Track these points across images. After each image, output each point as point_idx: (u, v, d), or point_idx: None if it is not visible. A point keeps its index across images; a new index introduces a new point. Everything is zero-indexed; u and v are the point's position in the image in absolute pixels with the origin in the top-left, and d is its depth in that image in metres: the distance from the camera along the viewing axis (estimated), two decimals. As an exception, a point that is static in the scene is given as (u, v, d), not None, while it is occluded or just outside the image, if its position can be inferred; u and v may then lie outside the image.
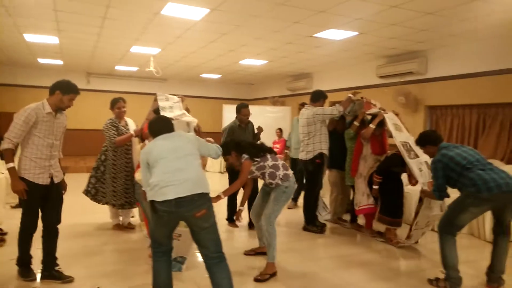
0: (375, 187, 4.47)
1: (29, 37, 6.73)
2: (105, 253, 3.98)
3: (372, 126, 4.52)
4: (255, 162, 3.42)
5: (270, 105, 11.53)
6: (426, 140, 3.60)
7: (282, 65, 8.92)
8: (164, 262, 2.70)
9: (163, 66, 9.34)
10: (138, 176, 3.62)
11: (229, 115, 10.78)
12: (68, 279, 3.18)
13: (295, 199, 6.17)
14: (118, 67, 10.23)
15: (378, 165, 4.51)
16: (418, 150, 4.12)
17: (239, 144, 3.47)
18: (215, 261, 2.62)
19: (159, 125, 2.84)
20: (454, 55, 6.26)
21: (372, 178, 4.52)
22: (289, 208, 6.03)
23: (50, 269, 3.19)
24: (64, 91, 3.08)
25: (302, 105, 5.46)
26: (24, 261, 3.18)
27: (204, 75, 11.25)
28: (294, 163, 6.08)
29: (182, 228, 3.12)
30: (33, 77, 10.82)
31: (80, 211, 5.20)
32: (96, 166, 4.52)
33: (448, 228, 3.30)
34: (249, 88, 13.68)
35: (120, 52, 8.00)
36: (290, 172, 3.53)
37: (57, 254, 3.25)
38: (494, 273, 3.32)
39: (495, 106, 5.76)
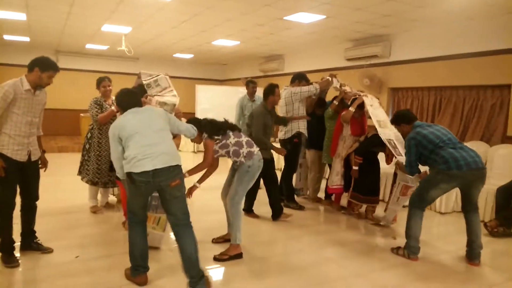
0: (355, 167, 4.56)
1: (-5, 13, 6.57)
2: (84, 227, 4.13)
3: (351, 109, 4.60)
4: (217, 141, 3.32)
5: (242, 86, 11.67)
6: (401, 119, 3.75)
7: (254, 46, 9.07)
8: (139, 231, 2.83)
9: (135, 45, 9.28)
10: None
11: (202, 94, 10.92)
12: (48, 250, 3.33)
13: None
14: (88, 45, 10.06)
15: (358, 146, 4.61)
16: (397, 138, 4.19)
17: (199, 122, 3.34)
18: (182, 227, 2.77)
19: (127, 99, 2.91)
20: (415, 39, 6.62)
21: (351, 158, 4.66)
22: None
23: (29, 241, 3.30)
24: (42, 68, 3.03)
25: (250, 83, 5.93)
26: (6, 246, 3.13)
27: (177, 55, 11.24)
28: None
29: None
30: (-4, 54, 10.49)
31: (55, 192, 5.27)
32: (83, 145, 4.58)
33: (419, 202, 3.49)
34: (222, 68, 13.74)
35: (91, 31, 7.91)
36: (255, 149, 3.42)
37: (37, 229, 3.38)
38: (473, 249, 3.47)
39: (449, 88, 6.20)
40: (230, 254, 3.34)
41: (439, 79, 6.25)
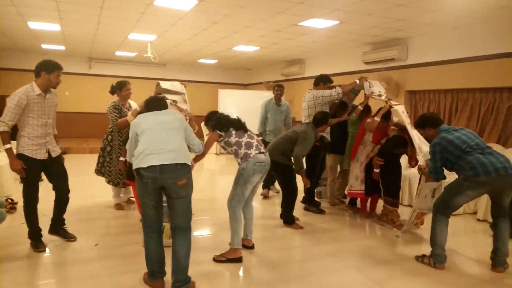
0: (376, 170, 4.49)
1: (33, 25, 7.16)
2: (106, 220, 4.48)
3: (377, 119, 4.49)
4: (221, 138, 3.35)
5: (265, 90, 11.93)
6: (426, 123, 3.59)
7: (274, 51, 9.30)
8: (153, 237, 2.78)
9: (161, 52, 9.75)
10: None
11: (224, 99, 11.26)
12: (72, 238, 3.66)
13: (267, 186, 5.90)
14: (118, 53, 10.64)
15: (380, 148, 4.53)
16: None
17: (214, 115, 3.44)
18: (181, 230, 2.76)
19: (153, 102, 3.04)
20: (431, 43, 6.62)
21: (373, 161, 4.59)
22: (262, 196, 5.79)
23: (58, 227, 3.63)
24: (48, 71, 3.26)
25: (276, 86, 5.98)
26: (34, 234, 3.45)
27: (201, 60, 11.64)
28: None
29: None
30: (36, 62, 11.24)
31: (83, 189, 5.60)
32: (103, 147, 4.74)
33: (443, 209, 3.36)
34: (246, 73, 14.05)
35: (119, 39, 8.41)
36: (253, 151, 3.31)
37: (66, 222, 3.70)
38: (498, 256, 3.36)
39: (466, 91, 6.16)
40: (228, 257, 3.32)
41: (456, 81, 6.23)
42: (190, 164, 2.78)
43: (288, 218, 4.50)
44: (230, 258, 3.31)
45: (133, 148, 2.84)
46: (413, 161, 4.47)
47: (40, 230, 3.48)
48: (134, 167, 2.70)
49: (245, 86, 14.14)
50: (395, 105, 4.52)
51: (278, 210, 4.68)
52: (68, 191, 3.59)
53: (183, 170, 2.71)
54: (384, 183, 4.56)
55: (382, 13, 5.42)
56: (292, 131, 4.54)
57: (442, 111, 6.56)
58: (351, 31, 6.69)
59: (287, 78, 11.06)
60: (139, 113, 3.67)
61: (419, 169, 3.95)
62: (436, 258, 3.38)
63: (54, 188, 3.53)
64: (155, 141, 2.71)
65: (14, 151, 3.26)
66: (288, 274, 3.21)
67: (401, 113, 4.34)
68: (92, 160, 4.90)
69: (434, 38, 6.57)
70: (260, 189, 5.29)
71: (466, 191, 3.24)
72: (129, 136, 2.96)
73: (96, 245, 3.63)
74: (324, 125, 4.53)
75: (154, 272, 2.81)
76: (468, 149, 3.23)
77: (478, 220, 4.96)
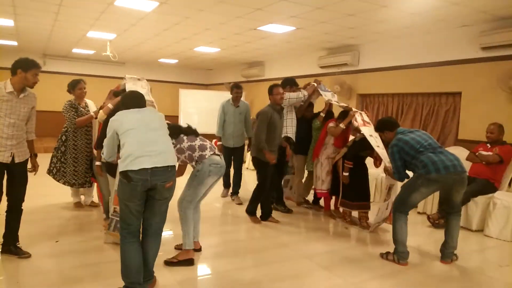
0: (345, 173, 4.59)
1: (-16, 19, 6.90)
2: (66, 226, 4.29)
3: (342, 126, 4.71)
4: (173, 145, 3.19)
5: (226, 91, 12.11)
6: (384, 126, 3.80)
7: (235, 53, 9.51)
8: (134, 246, 2.65)
9: (120, 51, 9.66)
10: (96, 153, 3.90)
11: (185, 99, 11.32)
12: (25, 255, 3.29)
13: (226, 186, 6.00)
14: (75, 50, 10.39)
15: (348, 151, 4.62)
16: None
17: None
18: (154, 233, 2.76)
19: (132, 99, 2.89)
20: (381, 50, 7.14)
21: (338, 164, 4.72)
22: (222, 196, 5.94)
23: (9, 245, 3.29)
24: (24, 68, 3.10)
25: (234, 87, 5.74)
26: None
27: (162, 60, 11.63)
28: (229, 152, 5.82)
29: None
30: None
31: (42, 190, 5.37)
32: (57, 147, 4.65)
33: (401, 207, 3.55)
34: (206, 73, 14.15)
35: (77, 36, 8.26)
36: (208, 152, 3.34)
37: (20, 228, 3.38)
38: (447, 249, 3.60)
39: (410, 95, 6.71)
40: (179, 259, 3.30)
41: (401, 86, 6.76)
42: (176, 165, 2.81)
43: (249, 208, 4.77)
44: (182, 260, 3.29)
45: (112, 147, 2.80)
46: (377, 161, 4.64)
47: None
48: (122, 169, 2.57)
49: (206, 86, 14.24)
50: (356, 112, 4.66)
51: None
52: (22, 200, 3.32)
53: (172, 172, 2.72)
54: (347, 186, 4.65)
55: (334, 21, 5.80)
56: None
57: (390, 113, 7.08)
58: (307, 37, 7.05)
59: (247, 80, 11.31)
60: (112, 111, 3.55)
61: (385, 169, 4.14)
62: (399, 255, 3.54)
63: (7, 194, 3.27)
64: (143, 142, 2.64)
65: None
66: (246, 263, 3.45)
67: (373, 144, 4.29)
68: (47, 159, 4.72)
69: (382, 45, 7.08)
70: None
71: (420, 189, 3.43)
72: (105, 135, 2.85)
73: (56, 241, 3.66)
74: (270, 96, 4.59)
75: (133, 284, 2.61)
76: (422, 148, 3.43)
77: (418, 213, 5.42)
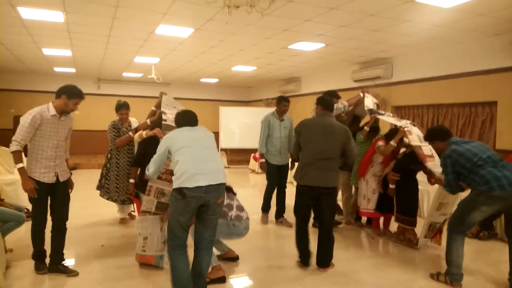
0: (391, 186, 4.38)
1: (46, 51, 7.83)
2: (109, 240, 4.44)
3: (393, 143, 4.39)
4: None
5: (264, 107, 12.48)
6: (435, 136, 3.50)
7: (270, 71, 9.87)
8: (184, 257, 2.78)
9: (165, 73, 10.39)
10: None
11: (225, 115, 11.83)
12: (73, 274, 3.37)
13: (266, 210, 5.39)
14: (125, 74, 11.31)
15: (396, 163, 4.41)
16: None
17: None
18: (208, 244, 2.89)
19: (186, 118, 3.01)
20: (412, 62, 7.12)
21: (388, 176, 4.49)
22: (263, 223, 5.33)
23: (57, 264, 3.38)
24: (69, 96, 3.22)
25: (284, 101, 5.28)
26: (38, 256, 3.40)
27: (204, 80, 12.27)
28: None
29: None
30: (49, 84, 11.93)
31: (91, 204, 5.73)
32: (104, 164, 4.93)
33: (458, 226, 3.23)
34: (246, 90, 14.64)
35: (125, 62, 9.06)
36: (244, 214, 3.55)
37: (69, 241, 3.52)
38: None
39: (445, 106, 6.61)
40: (211, 278, 3.22)
41: (436, 97, 6.69)
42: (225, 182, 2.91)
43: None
44: (213, 278, 3.24)
45: (160, 164, 2.93)
46: (432, 179, 4.26)
47: (45, 252, 3.44)
48: (177, 186, 2.68)
49: (246, 103, 14.71)
50: (406, 128, 4.34)
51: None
52: (66, 219, 3.42)
53: (223, 189, 2.84)
54: (399, 200, 4.45)
55: (360, 37, 5.94)
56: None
57: (425, 124, 7.00)
58: (337, 53, 7.22)
59: (284, 95, 11.56)
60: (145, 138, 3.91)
61: (439, 179, 3.89)
62: (453, 277, 3.27)
63: (51, 214, 3.37)
64: (198, 160, 2.74)
65: None
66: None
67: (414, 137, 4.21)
68: (98, 175, 5.04)
69: (414, 57, 7.07)
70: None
71: (481, 207, 3.10)
72: (141, 155, 3.23)
73: (102, 245, 4.06)
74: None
75: None
76: (480, 162, 3.10)
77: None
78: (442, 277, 3.35)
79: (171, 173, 3.31)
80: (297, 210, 3.72)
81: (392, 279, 3.51)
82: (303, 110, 10.54)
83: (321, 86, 9.80)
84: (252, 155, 11.01)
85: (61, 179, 3.34)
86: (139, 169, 4.03)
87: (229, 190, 3.53)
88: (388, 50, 6.92)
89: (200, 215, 2.81)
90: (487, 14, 4.62)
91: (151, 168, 2.97)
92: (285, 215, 5.28)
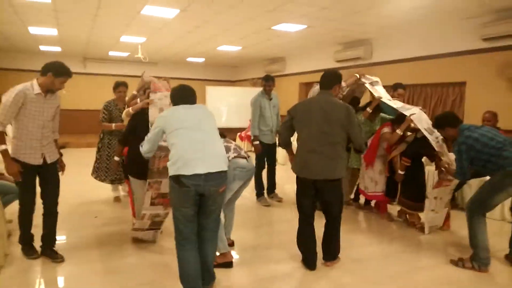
0: (401, 172, 4.21)
1: (33, 30, 7.87)
2: (101, 212, 4.62)
3: (399, 132, 4.24)
4: None
5: (250, 86, 12.70)
6: (445, 122, 3.42)
7: (256, 51, 10.06)
8: (192, 252, 2.54)
9: (152, 52, 10.48)
10: None
11: (211, 95, 12.02)
12: (59, 259, 3.21)
13: (261, 194, 5.42)
14: (111, 53, 11.34)
15: (407, 148, 4.26)
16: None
17: None
18: (210, 232, 2.65)
19: (183, 93, 2.68)
20: (390, 43, 7.43)
21: (395, 161, 4.38)
22: (265, 205, 5.32)
23: (46, 246, 3.26)
24: (56, 74, 2.98)
25: (265, 81, 5.30)
26: (25, 240, 3.23)
27: (190, 59, 12.37)
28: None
29: None
30: (34, 62, 11.83)
31: (82, 184, 5.74)
32: (97, 145, 4.98)
33: (481, 208, 3.20)
34: (232, 70, 14.79)
35: (112, 41, 9.13)
36: (231, 154, 3.13)
37: (62, 223, 3.43)
38: None
39: (420, 86, 6.97)
40: (219, 262, 3.10)
41: (412, 77, 7.02)
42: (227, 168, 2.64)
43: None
44: (221, 262, 3.14)
45: (154, 142, 2.71)
46: (438, 159, 4.12)
47: (32, 236, 3.28)
48: (173, 173, 2.44)
49: (232, 82, 14.88)
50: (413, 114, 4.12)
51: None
52: (56, 203, 3.26)
53: (225, 177, 2.57)
54: (405, 185, 4.33)
55: (342, 19, 6.20)
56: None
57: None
58: (320, 34, 7.47)
59: (270, 75, 11.78)
60: (134, 115, 3.56)
61: (444, 167, 3.80)
62: (481, 261, 3.18)
63: (41, 197, 3.22)
64: (195, 144, 2.47)
65: None
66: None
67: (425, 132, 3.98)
68: (88, 153, 5.18)
69: (392, 39, 7.37)
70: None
71: (508, 188, 3.09)
72: (129, 132, 3.10)
73: (95, 217, 4.32)
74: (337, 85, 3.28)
75: None
76: (499, 144, 3.09)
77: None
78: (468, 263, 3.24)
79: (162, 196, 3.26)
80: (300, 205, 3.26)
81: (410, 265, 3.40)
82: (288, 89, 10.83)
83: (305, 66, 10.09)
84: (238, 134, 11.29)
85: (49, 161, 3.15)
86: (128, 148, 3.71)
87: (223, 136, 3.21)
88: (368, 32, 7.19)
89: (200, 206, 2.55)
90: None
91: (145, 146, 2.74)
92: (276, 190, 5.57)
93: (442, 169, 3.83)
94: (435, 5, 5.31)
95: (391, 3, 5.31)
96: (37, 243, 3.33)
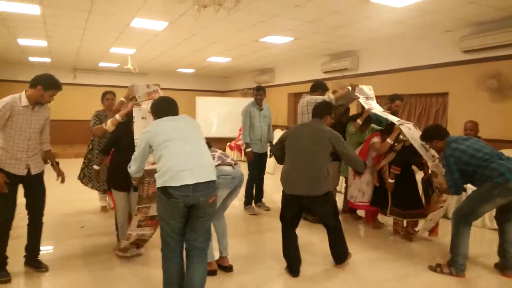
0: (391, 180, 4.24)
1: (22, 41, 7.90)
2: (88, 222, 4.65)
3: (389, 141, 4.29)
4: None
5: (240, 97, 12.81)
6: (432, 135, 3.48)
7: (245, 62, 10.19)
8: (177, 262, 2.56)
9: (142, 63, 10.55)
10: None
11: (202, 105, 12.10)
12: (43, 269, 3.22)
13: (249, 202, 5.50)
14: (101, 64, 11.37)
15: (396, 157, 4.29)
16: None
17: None
18: (198, 251, 2.57)
19: (164, 106, 2.68)
20: (376, 55, 7.61)
21: (384, 170, 4.39)
22: (251, 214, 5.37)
23: (30, 257, 3.25)
24: (46, 87, 2.98)
25: (257, 90, 5.53)
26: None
27: (180, 70, 12.46)
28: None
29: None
30: (23, 73, 11.81)
31: (70, 194, 5.64)
32: (86, 154, 4.99)
33: (467, 218, 3.25)
34: (222, 80, 14.91)
35: (102, 52, 9.18)
36: (214, 162, 3.04)
37: (48, 229, 3.42)
38: (508, 259, 3.31)
39: (404, 96, 7.08)
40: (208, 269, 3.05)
41: (397, 88, 7.12)
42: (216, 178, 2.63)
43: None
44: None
45: (142, 161, 2.67)
46: (426, 169, 4.24)
47: (7, 258, 3.13)
48: (160, 185, 2.43)
49: (222, 93, 14.99)
50: (404, 123, 4.20)
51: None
52: (41, 214, 3.25)
53: (214, 186, 2.56)
54: (396, 194, 4.31)
55: (327, 32, 6.35)
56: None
57: (387, 114, 7.51)
58: (307, 46, 7.62)
59: (261, 85, 11.92)
60: (122, 122, 3.56)
61: (436, 187, 3.87)
62: (458, 267, 3.28)
63: (26, 207, 3.20)
64: (183, 155, 2.47)
65: None
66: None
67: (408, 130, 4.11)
68: (77, 164, 5.19)
69: (377, 51, 7.56)
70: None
71: (496, 199, 3.13)
72: (112, 141, 3.17)
73: (82, 227, 4.34)
74: (327, 115, 3.56)
75: None
76: (486, 156, 3.14)
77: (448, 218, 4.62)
78: (445, 268, 3.34)
79: (151, 218, 3.27)
80: (282, 217, 3.44)
81: (395, 272, 3.47)
82: (277, 99, 10.96)
83: (294, 77, 10.24)
84: (228, 144, 11.36)
85: (33, 172, 3.12)
86: (109, 160, 3.74)
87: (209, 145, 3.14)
88: (354, 44, 7.37)
89: (189, 219, 2.53)
90: (438, 11, 5.08)
91: (133, 166, 2.70)
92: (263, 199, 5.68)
93: (435, 189, 3.91)
94: (413, 20, 5.50)
95: (372, 18, 5.48)
96: (21, 254, 3.30)
